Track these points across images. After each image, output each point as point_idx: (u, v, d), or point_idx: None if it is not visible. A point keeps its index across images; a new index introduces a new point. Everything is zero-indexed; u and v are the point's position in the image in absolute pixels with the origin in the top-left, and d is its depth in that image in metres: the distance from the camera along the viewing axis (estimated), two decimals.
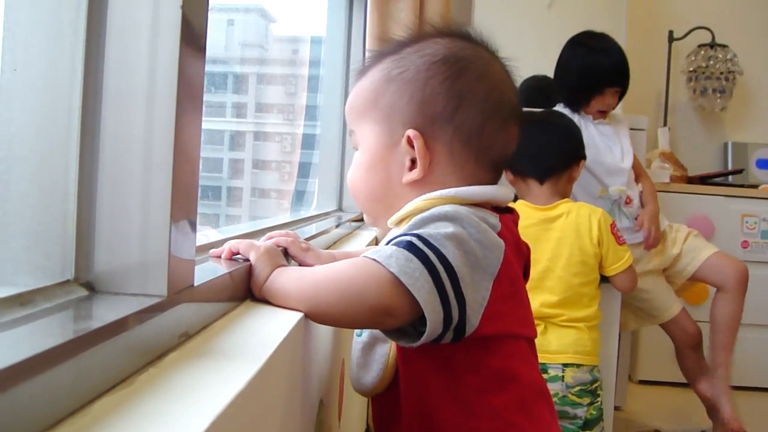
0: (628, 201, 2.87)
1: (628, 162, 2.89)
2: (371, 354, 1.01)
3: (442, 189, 0.97)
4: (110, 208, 0.66)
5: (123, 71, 0.66)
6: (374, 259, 0.85)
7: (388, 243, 0.90)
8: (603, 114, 2.90)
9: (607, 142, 2.86)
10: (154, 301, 0.63)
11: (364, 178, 1.05)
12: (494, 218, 0.96)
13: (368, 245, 1.80)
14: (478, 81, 1.01)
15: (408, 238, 0.87)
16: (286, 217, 2.04)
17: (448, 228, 0.88)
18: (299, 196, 2.74)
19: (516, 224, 1.03)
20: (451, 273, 0.84)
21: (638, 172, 3.01)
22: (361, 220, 2.39)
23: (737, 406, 2.83)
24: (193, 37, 0.68)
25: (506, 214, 1.01)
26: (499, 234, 0.94)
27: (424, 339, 0.85)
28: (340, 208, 2.57)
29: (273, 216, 2.83)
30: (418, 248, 0.85)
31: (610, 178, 2.83)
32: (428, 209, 0.93)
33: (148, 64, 0.66)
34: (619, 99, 2.94)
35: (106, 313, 0.59)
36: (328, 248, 1.52)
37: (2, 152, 0.64)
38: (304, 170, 2.80)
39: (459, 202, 0.95)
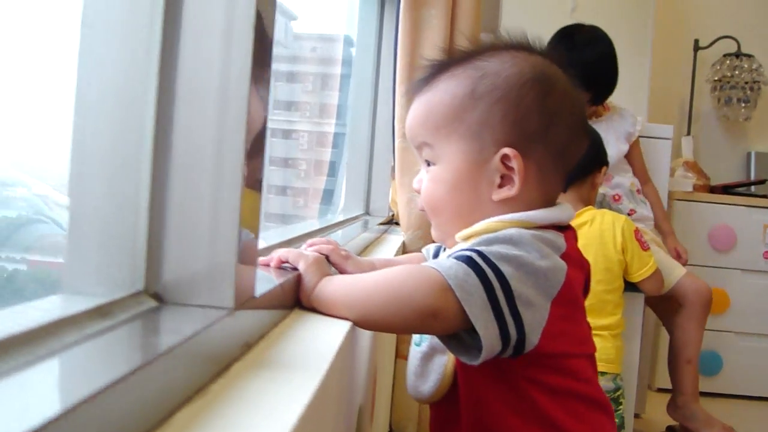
0: (617, 198, 2.88)
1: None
2: (429, 364, 1.03)
3: (526, 205, 0.99)
4: (179, 219, 0.68)
5: (195, 84, 0.68)
6: (433, 268, 0.88)
7: (449, 256, 0.92)
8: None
9: None
10: (222, 314, 0.65)
11: (448, 196, 1.03)
12: (559, 238, 0.98)
13: (397, 250, 1.82)
14: (564, 98, 1.04)
15: (468, 253, 0.89)
16: (314, 224, 2.05)
17: (511, 250, 0.90)
18: (327, 195, 2.77)
19: (576, 240, 1.05)
20: (507, 291, 0.86)
21: (642, 180, 3.06)
22: (388, 223, 2.41)
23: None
24: (262, 53, 0.70)
25: (567, 230, 1.03)
26: (566, 253, 0.97)
27: (483, 356, 0.86)
28: (367, 212, 2.59)
29: (283, 212, 2.86)
30: (476, 264, 0.87)
31: None
32: (497, 231, 0.95)
33: (220, 78, 0.68)
34: (593, 101, 2.94)
35: (182, 326, 0.61)
36: (359, 254, 1.54)
37: (78, 167, 0.66)
38: (332, 169, 2.84)
39: (526, 226, 0.97)
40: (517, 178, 0.99)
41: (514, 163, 0.99)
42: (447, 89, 1.04)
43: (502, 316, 0.86)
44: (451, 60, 1.08)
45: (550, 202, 1.04)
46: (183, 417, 0.52)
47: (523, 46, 1.07)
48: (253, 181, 0.71)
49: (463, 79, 1.03)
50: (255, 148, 0.71)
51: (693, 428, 2.79)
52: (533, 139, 1.00)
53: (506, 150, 0.99)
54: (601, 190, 2.85)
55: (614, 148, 2.92)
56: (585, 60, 2.80)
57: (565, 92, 1.05)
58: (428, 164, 1.06)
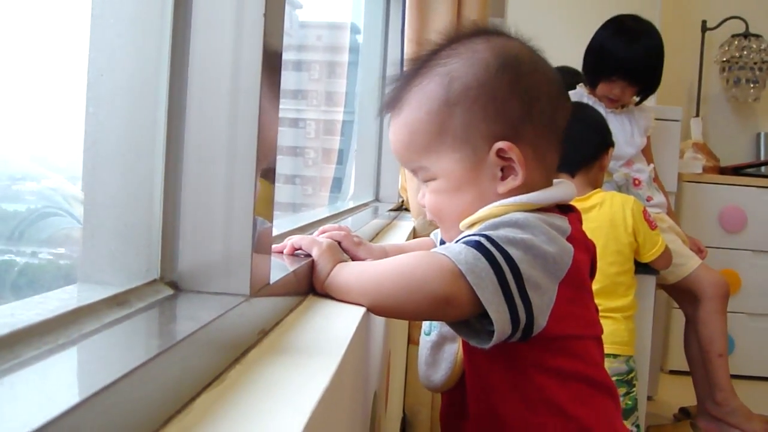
0: (637, 183, 2.88)
1: (631, 149, 2.91)
2: (440, 353, 1.03)
3: (531, 187, 0.99)
4: (194, 208, 0.69)
5: (207, 72, 0.68)
6: (443, 254, 0.87)
7: (456, 241, 0.92)
8: (613, 102, 2.89)
9: (612, 129, 2.78)
10: (239, 300, 0.66)
11: (452, 203, 1.02)
12: (563, 221, 0.98)
13: (408, 236, 1.82)
14: (536, 72, 1.03)
15: (477, 238, 0.89)
16: (324, 211, 2.05)
17: (518, 234, 0.90)
18: (337, 183, 2.77)
19: (580, 222, 1.04)
20: (517, 274, 0.86)
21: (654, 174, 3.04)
22: (398, 209, 2.41)
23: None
24: (272, 40, 0.70)
25: (570, 213, 1.02)
26: (571, 236, 0.96)
27: (495, 340, 0.87)
28: (377, 198, 2.59)
29: (293, 201, 2.87)
30: (485, 248, 0.87)
31: (611, 162, 2.81)
32: (500, 215, 0.95)
33: (232, 68, 0.68)
34: (639, 96, 2.93)
35: (198, 313, 0.61)
36: (370, 240, 1.54)
37: (92, 158, 0.67)
38: (341, 156, 2.84)
39: (530, 208, 0.97)
40: (518, 167, 0.98)
41: (511, 154, 0.98)
42: (420, 105, 1.02)
43: (513, 299, 0.86)
44: (412, 70, 1.05)
45: (549, 176, 1.04)
46: (202, 403, 0.53)
47: (478, 33, 1.05)
48: (266, 170, 0.71)
49: (432, 90, 1.01)
50: (267, 137, 0.71)
51: (734, 423, 2.78)
52: (520, 123, 0.99)
53: (500, 144, 0.98)
54: (624, 170, 2.86)
55: (638, 139, 2.93)
56: (641, 54, 2.80)
57: (535, 65, 1.04)
58: (427, 181, 1.05)
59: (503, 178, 0.99)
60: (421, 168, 1.04)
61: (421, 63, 1.05)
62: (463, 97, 0.99)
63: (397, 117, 1.05)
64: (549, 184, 1.03)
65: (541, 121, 1.01)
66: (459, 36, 1.05)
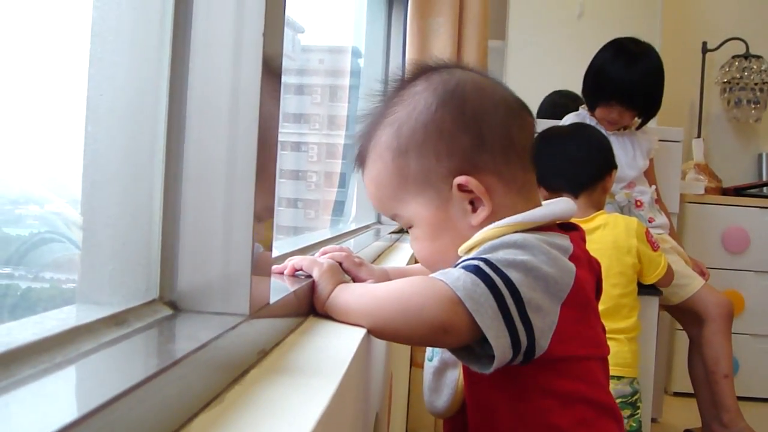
0: (639, 204, 2.88)
1: (633, 171, 2.91)
2: (442, 379, 1.02)
3: (507, 212, 0.97)
4: (193, 227, 0.68)
5: (206, 91, 0.68)
6: (441, 280, 0.86)
7: (455, 266, 0.91)
8: (612, 125, 2.89)
9: (615, 151, 2.75)
10: (238, 320, 0.65)
11: (434, 246, 1.03)
12: (565, 240, 0.96)
13: (409, 258, 1.82)
14: (481, 96, 1.02)
15: (475, 262, 0.87)
16: (326, 233, 2.05)
17: (517, 255, 0.88)
18: (339, 207, 2.77)
19: (584, 240, 1.03)
20: (517, 298, 0.85)
21: (657, 195, 3.04)
22: (399, 231, 2.41)
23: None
24: (271, 62, 0.70)
25: (572, 231, 1.01)
26: (573, 255, 0.95)
27: (495, 365, 0.85)
28: (379, 221, 2.59)
29: (295, 224, 2.87)
30: (485, 273, 0.85)
31: (614, 184, 2.81)
32: (498, 237, 0.93)
33: (231, 88, 0.68)
34: (640, 119, 2.93)
35: (197, 333, 0.61)
36: (372, 262, 1.54)
37: (91, 177, 0.67)
38: (343, 180, 2.84)
39: (527, 227, 0.95)
40: (483, 197, 0.98)
41: (472, 186, 0.97)
42: (378, 158, 1.04)
43: (513, 324, 0.85)
44: (371, 124, 1.06)
45: (528, 196, 1.02)
46: (200, 423, 0.52)
47: (418, 74, 1.05)
48: (267, 187, 0.71)
49: (385, 141, 1.03)
50: (266, 156, 0.71)
51: None
52: (475, 153, 0.99)
53: (458, 180, 0.98)
54: (626, 190, 2.86)
55: (640, 162, 2.93)
56: (638, 79, 2.79)
57: (480, 90, 1.02)
58: (408, 228, 1.06)
59: (474, 211, 0.99)
60: (397, 216, 1.06)
61: (377, 115, 1.06)
62: (412, 142, 1.00)
63: (365, 173, 1.07)
64: (530, 203, 1.01)
65: (496, 144, 1.00)
66: (403, 82, 1.06)
